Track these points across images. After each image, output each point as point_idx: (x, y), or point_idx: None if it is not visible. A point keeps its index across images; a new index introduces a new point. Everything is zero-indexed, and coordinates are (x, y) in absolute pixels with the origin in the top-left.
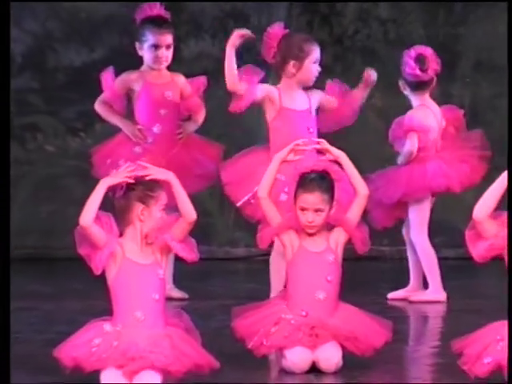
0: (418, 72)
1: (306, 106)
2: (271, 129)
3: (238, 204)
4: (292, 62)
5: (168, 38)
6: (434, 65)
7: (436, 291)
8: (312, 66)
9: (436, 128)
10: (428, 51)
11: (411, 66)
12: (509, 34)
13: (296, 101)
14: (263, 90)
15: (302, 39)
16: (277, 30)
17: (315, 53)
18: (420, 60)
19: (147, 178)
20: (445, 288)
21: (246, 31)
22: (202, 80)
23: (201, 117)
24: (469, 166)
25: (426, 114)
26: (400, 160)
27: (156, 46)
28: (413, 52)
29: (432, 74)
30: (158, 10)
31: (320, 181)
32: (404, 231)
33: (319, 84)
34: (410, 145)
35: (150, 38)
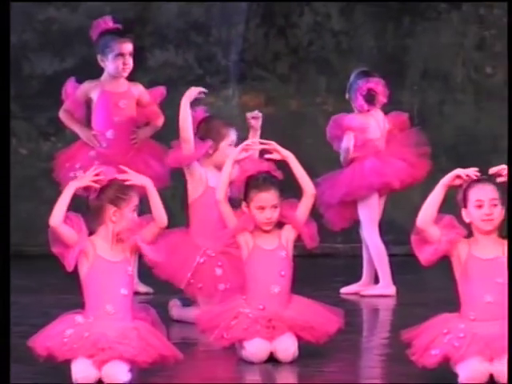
0: (365, 107)
1: None
2: (195, 206)
3: (181, 286)
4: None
5: (130, 46)
6: (382, 99)
7: (386, 286)
8: (227, 148)
9: (377, 130)
10: (379, 87)
11: (360, 104)
12: (509, 34)
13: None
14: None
15: (219, 124)
16: (198, 113)
17: (231, 136)
18: (370, 95)
19: (126, 183)
20: (394, 283)
21: (201, 89)
22: (161, 90)
23: (158, 123)
24: (408, 163)
25: (366, 116)
26: (341, 159)
27: (121, 55)
28: (364, 88)
29: (378, 107)
30: (112, 23)
31: (271, 179)
32: (359, 230)
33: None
34: (346, 142)
35: (114, 47)
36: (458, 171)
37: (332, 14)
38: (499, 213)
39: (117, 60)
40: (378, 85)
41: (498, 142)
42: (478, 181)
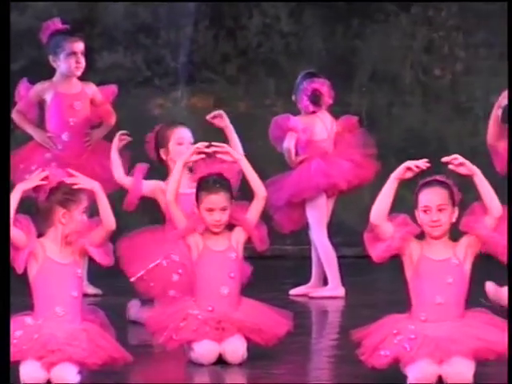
0: (310, 108)
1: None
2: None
3: (132, 279)
4: (162, 150)
5: (81, 45)
6: (327, 100)
7: (335, 287)
8: (177, 146)
9: (323, 131)
10: (324, 87)
11: (305, 104)
12: (509, 34)
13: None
14: (150, 185)
15: (162, 127)
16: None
17: (177, 134)
18: (315, 96)
19: (74, 187)
20: (343, 284)
21: (124, 136)
22: (112, 88)
23: (111, 122)
24: (354, 164)
25: (312, 118)
26: (287, 161)
27: (73, 53)
28: (309, 88)
29: (324, 108)
30: (61, 24)
31: (222, 181)
32: (308, 232)
33: (227, 95)
34: (287, 143)
35: (65, 46)
36: (408, 163)
37: (281, 16)
38: (447, 217)
39: (69, 59)
40: (322, 85)
41: (445, 144)
42: (427, 184)
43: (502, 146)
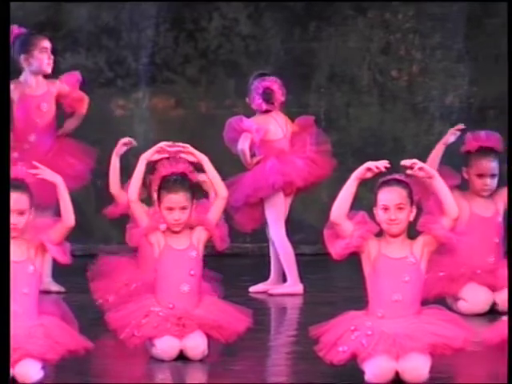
0: (263, 107)
1: None
2: None
3: (99, 302)
4: None
5: (49, 43)
6: (279, 97)
7: (294, 284)
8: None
9: (278, 131)
10: (275, 85)
11: (258, 103)
12: (509, 34)
13: None
14: None
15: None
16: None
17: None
18: (267, 93)
19: (37, 177)
20: (302, 281)
21: (129, 139)
22: (75, 75)
23: (82, 111)
24: (309, 161)
25: (266, 118)
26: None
27: (45, 49)
28: (260, 87)
29: (277, 106)
30: (23, 29)
31: (183, 181)
32: (266, 230)
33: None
34: (241, 144)
35: (37, 43)
36: (369, 164)
37: (240, 19)
38: (406, 216)
39: (42, 55)
40: (273, 83)
41: (402, 143)
42: (386, 183)
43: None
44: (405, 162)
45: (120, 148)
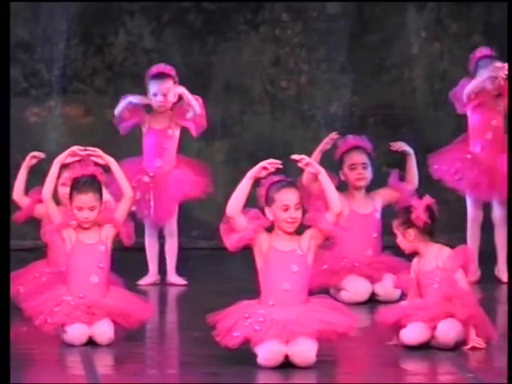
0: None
1: None
2: None
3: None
4: None
5: None
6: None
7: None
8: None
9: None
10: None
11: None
12: (509, 35)
13: None
14: (41, 209)
15: None
16: None
17: None
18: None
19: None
20: (200, 274)
21: (38, 153)
22: None
23: None
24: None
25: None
26: None
27: None
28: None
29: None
30: None
31: (92, 183)
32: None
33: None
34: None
35: None
36: (264, 163)
37: (144, 35)
38: (301, 214)
39: None
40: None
41: (291, 148)
42: (282, 185)
43: (316, 187)
44: (294, 157)
45: (29, 161)
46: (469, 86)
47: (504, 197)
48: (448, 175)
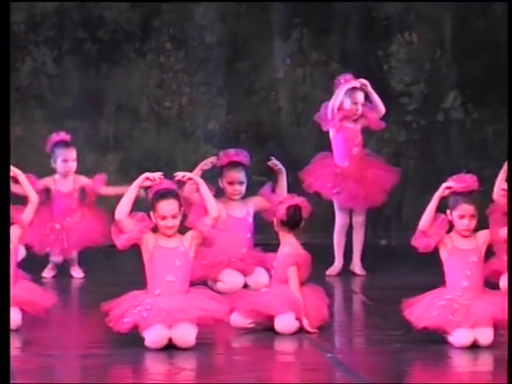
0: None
1: None
2: None
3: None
4: None
5: None
6: None
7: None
8: None
9: None
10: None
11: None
12: (509, 35)
13: None
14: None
15: None
16: None
17: None
18: None
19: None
20: (96, 269)
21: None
22: None
23: None
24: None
25: None
26: None
27: None
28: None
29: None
30: None
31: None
32: None
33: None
34: None
35: None
36: (147, 174)
37: (47, 62)
38: (178, 221)
39: None
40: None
41: (174, 160)
42: (162, 196)
43: (196, 196)
44: (177, 175)
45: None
46: (330, 103)
47: (370, 205)
48: (325, 189)
